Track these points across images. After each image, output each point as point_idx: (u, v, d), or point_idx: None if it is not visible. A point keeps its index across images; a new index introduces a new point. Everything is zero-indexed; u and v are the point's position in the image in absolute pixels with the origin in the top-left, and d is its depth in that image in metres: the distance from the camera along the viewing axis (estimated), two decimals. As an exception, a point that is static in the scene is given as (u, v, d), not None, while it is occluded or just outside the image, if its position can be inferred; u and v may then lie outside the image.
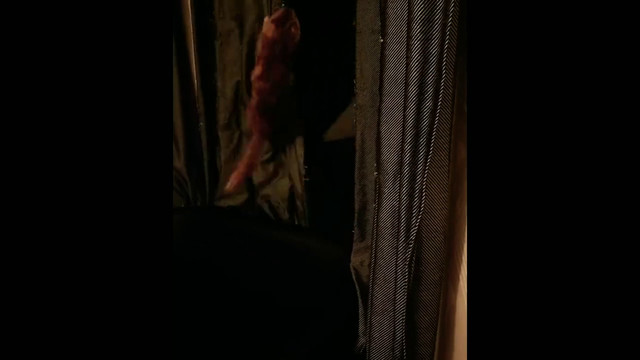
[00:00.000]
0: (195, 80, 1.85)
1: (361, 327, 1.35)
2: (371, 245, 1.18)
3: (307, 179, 1.98)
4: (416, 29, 0.86)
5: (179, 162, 1.90)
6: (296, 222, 1.78)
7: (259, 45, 1.57)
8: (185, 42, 1.86)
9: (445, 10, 0.82)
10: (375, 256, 1.14)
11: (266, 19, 1.53)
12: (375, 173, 1.14)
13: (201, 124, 1.85)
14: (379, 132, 1.10)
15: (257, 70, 1.56)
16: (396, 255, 1.08)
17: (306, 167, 2.03)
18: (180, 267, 1.44)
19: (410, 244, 1.02)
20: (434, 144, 0.93)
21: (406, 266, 1.06)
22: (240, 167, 1.72)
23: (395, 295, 1.12)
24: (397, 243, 1.06)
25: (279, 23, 1.49)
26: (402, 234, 1.04)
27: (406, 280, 1.07)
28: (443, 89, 0.89)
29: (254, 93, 1.61)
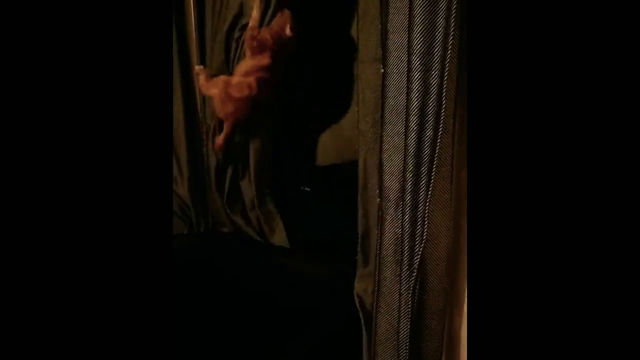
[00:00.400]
0: (199, 109, 1.88)
1: (365, 356, 1.33)
2: (374, 272, 1.18)
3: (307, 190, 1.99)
4: (416, 61, 0.87)
5: (182, 189, 1.91)
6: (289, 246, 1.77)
7: (267, 35, 1.49)
8: (190, 73, 1.90)
9: (444, 43, 0.84)
10: (379, 284, 1.13)
11: (281, 15, 1.50)
12: (378, 199, 1.14)
13: (204, 149, 1.87)
14: (380, 159, 1.11)
15: (265, 61, 1.48)
16: (399, 283, 1.08)
17: (308, 189, 2.05)
18: (184, 292, 1.44)
19: (414, 272, 1.02)
20: (436, 172, 0.94)
21: (409, 295, 1.05)
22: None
23: (399, 323, 1.11)
24: (400, 271, 1.06)
25: (293, 25, 1.50)
26: (405, 261, 1.04)
27: (409, 308, 1.06)
28: (443, 118, 0.90)
29: (253, 82, 1.49)
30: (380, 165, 1.10)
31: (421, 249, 0.99)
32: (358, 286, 1.38)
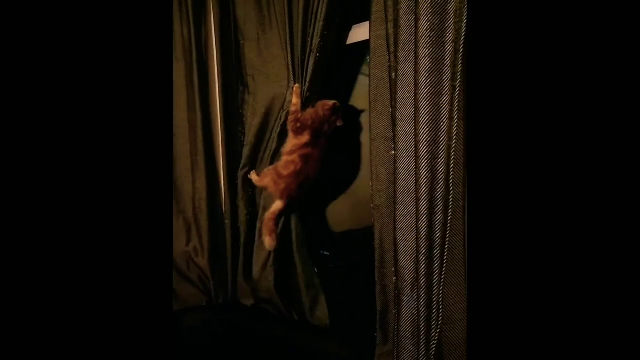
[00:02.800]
0: (223, 180, 1.95)
1: None
2: (393, 353, 1.15)
3: (331, 266, 1.99)
4: (423, 149, 0.91)
5: (202, 260, 1.93)
6: (311, 321, 1.75)
7: (307, 116, 1.65)
8: (213, 143, 1.99)
9: (449, 133, 0.88)
10: (397, 367, 1.10)
11: (295, 100, 1.67)
12: (394, 278, 1.14)
13: (226, 221, 1.91)
14: (395, 238, 1.12)
15: (305, 139, 1.64)
16: (418, 367, 1.05)
17: (327, 253, 2.06)
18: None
19: (431, 357, 0.99)
20: (448, 255, 0.94)
21: (429, 379, 1.01)
22: (271, 226, 1.74)
23: (419, 410, 1.06)
24: (417, 354, 1.03)
25: (332, 109, 1.64)
26: (422, 345, 1.01)
27: (429, 395, 1.03)
28: (452, 202, 0.92)
29: (296, 158, 1.64)
30: (396, 244, 1.11)
31: (437, 333, 0.97)
32: (377, 366, 1.34)
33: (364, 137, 1.89)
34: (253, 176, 1.81)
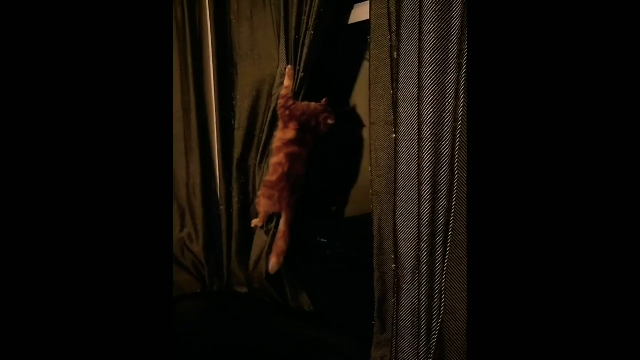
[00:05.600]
0: (217, 166, 1.90)
1: None
2: (391, 342, 1.12)
3: (328, 253, 1.97)
4: (427, 130, 0.86)
5: (197, 246, 1.90)
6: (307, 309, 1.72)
7: (295, 110, 1.57)
8: (208, 127, 1.94)
9: (455, 113, 0.83)
10: (396, 357, 1.07)
11: (285, 89, 1.58)
12: (394, 265, 1.10)
13: (221, 207, 1.87)
14: (395, 225, 1.08)
15: (289, 134, 1.56)
16: (417, 357, 1.02)
17: (324, 240, 2.04)
18: (195, 352, 1.39)
19: (432, 347, 0.96)
20: (451, 242, 0.90)
21: (428, 371, 0.98)
22: (280, 245, 1.66)
23: (418, 401, 1.03)
24: (418, 344, 1.00)
25: (325, 105, 1.59)
26: (422, 335, 0.98)
27: (429, 385, 1.00)
28: (457, 188, 0.87)
29: (283, 159, 1.57)
30: (395, 231, 1.07)
31: (439, 323, 0.94)
32: (375, 354, 1.31)
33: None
34: (254, 222, 1.73)
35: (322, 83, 1.69)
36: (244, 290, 1.81)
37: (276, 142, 1.62)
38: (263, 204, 1.66)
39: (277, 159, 1.60)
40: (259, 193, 1.67)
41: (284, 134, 1.60)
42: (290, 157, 1.59)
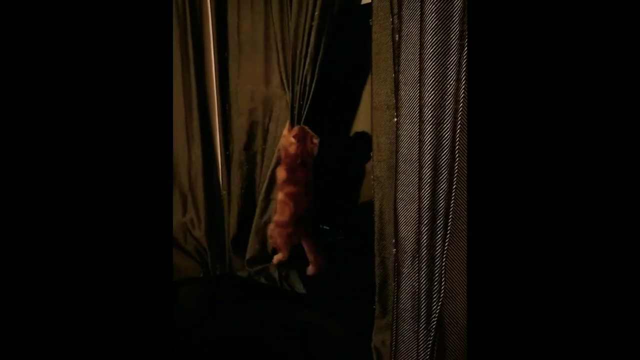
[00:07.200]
0: (219, 150, 1.90)
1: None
2: (392, 326, 1.12)
3: (330, 240, 1.99)
4: (428, 113, 0.85)
5: (199, 231, 1.91)
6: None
7: (282, 154, 1.70)
8: (209, 113, 1.94)
9: (456, 95, 0.82)
10: (396, 340, 1.08)
11: (285, 132, 1.69)
12: (394, 250, 1.10)
13: (223, 192, 1.87)
14: (396, 208, 1.08)
15: (282, 175, 1.69)
16: (417, 340, 1.02)
17: (326, 227, 2.08)
18: (198, 337, 1.40)
19: (432, 330, 0.96)
20: (452, 226, 0.90)
21: (427, 353, 0.99)
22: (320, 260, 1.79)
23: (418, 384, 1.04)
24: (417, 327, 1.00)
25: (300, 139, 1.66)
26: (422, 318, 0.98)
27: (429, 368, 1.00)
28: (457, 171, 0.87)
29: (285, 198, 1.69)
30: (396, 215, 1.07)
31: (439, 306, 0.94)
32: (376, 338, 1.32)
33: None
34: (276, 258, 1.80)
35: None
36: (246, 274, 1.82)
37: (279, 186, 1.72)
38: (280, 242, 1.76)
39: (280, 196, 1.71)
40: (272, 232, 1.76)
41: (278, 173, 1.72)
42: (291, 196, 1.69)
